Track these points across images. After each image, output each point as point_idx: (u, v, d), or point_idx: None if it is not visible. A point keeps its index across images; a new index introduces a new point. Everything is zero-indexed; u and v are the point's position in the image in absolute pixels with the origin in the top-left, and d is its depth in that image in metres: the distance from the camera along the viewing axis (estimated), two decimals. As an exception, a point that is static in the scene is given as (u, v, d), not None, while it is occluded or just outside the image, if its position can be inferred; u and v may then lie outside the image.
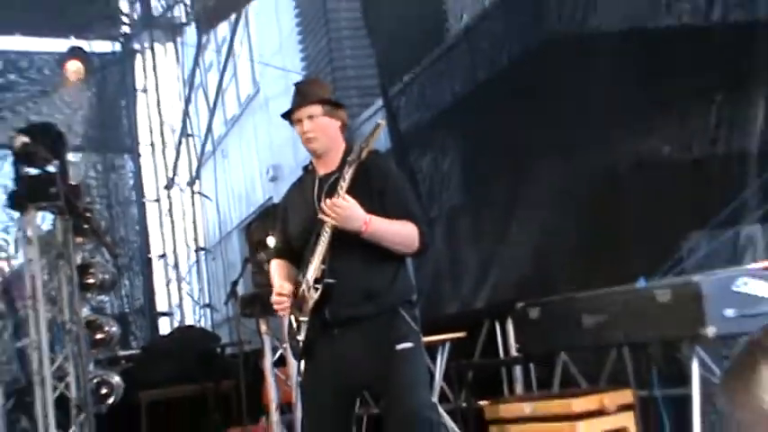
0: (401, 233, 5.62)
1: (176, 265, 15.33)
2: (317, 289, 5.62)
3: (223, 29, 15.14)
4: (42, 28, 13.93)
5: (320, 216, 5.58)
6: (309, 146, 5.87)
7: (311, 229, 5.66)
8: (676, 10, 8.58)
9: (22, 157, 9.94)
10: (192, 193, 15.40)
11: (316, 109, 5.78)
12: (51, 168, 9.65)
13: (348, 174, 5.49)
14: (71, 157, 10.98)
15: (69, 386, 10.15)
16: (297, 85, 6.42)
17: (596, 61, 8.91)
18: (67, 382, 10.14)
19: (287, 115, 5.98)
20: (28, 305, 10.31)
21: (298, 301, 5.76)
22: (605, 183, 8.67)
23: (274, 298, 5.94)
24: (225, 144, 16.23)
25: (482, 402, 7.63)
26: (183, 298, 15.25)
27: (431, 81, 11.29)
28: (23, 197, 10.19)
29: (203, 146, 15.40)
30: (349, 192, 5.48)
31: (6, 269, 5.81)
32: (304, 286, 5.67)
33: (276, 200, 10.94)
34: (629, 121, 8.66)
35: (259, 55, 15.58)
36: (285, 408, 8.44)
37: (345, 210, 5.46)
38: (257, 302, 8.49)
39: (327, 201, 5.50)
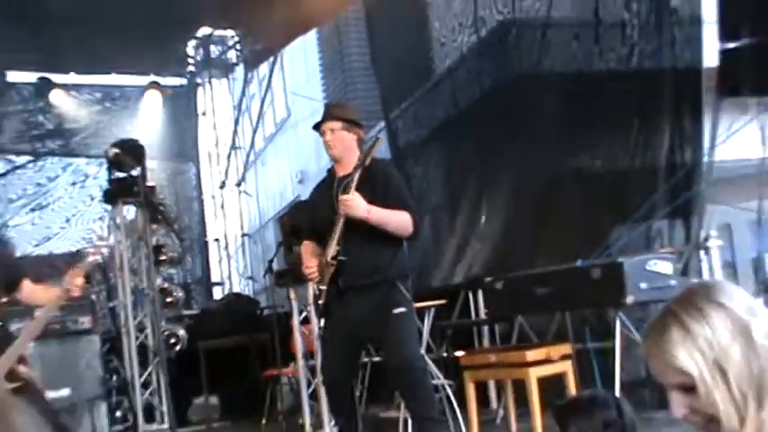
0: (398, 220, 5.69)
1: (226, 247, 15.36)
2: (333, 264, 5.69)
3: (263, 68, 15.14)
4: (130, 68, 13.96)
5: (337, 208, 5.66)
6: (329, 152, 5.97)
7: (331, 217, 5.73)
8: (606, 58, 8.63)
9: (113, 164, 10.01)
10: (239, 191, 15.42)
11: (336, 124, 5.87)
12: (135, 173, 9.73)
13: (356, 176, 5.58)
14: (149, 164, 11.00)
15: (147, 336, 10.22)
16: (326, 104, 6.52)
17: (547, 95, 8.99)
18: (146, 334, 10.21)
19: (316, 127, 6.08)
20: (117, 275, 10.38)
21: (320, 273, 5.83)
22: (552, 186, 8.72)
23: (305, 270, 6.02)
24: (264, 155, 16.21)
25: (458, 353, 7.69)
26: (231, 272, 15.27)
27: (422, 108, 11.34)
28: (114, 194, 10.26)
29: (248, 156, 15.40)
30: (357, 189, 5.56)
31: (104, 249, 5.80)
32: (324, 262, 5.74)
33: (303, 198, 10.97)
34: (570, 140, 8.72)
35: (291, 87, 15.58)
36: (308, 355, 8.47)
37: (351, 203, 5.55)
38: (288, 275, 8.53)
39: (341, 195, 5.59)
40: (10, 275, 5.73)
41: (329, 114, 6.03)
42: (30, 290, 5.77)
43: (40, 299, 5.70)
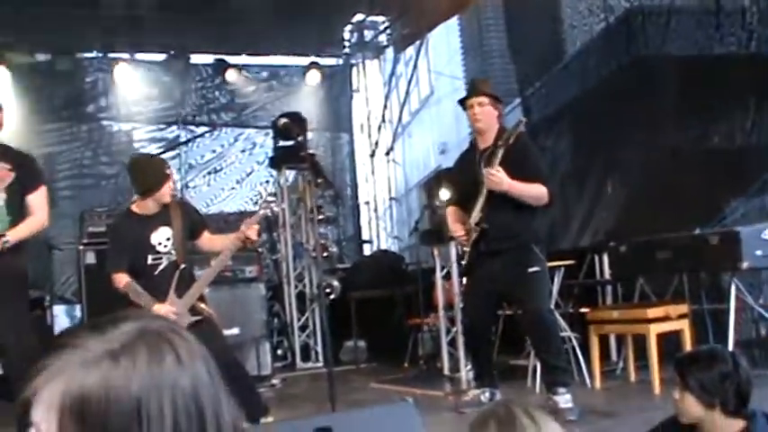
0: (536, 192, 5.66)
1: (375, 209, 15.47)
2: (476, 230, 5.69)
3: (410, 50, 15.14)
4: (293, 50, 14.16)
5: (481, 176, 5.65)
6: (475, 125, 5.95)
7: (473, 185, 5.72)
8: (725, 42, 8.39)
9: (280, 134, 10.19)
10: (388, 160, 15.48)
11: (484, 99, 5.86)
12: (297, 141, 9.87)
13: (500, 152, 5.55)
14: (309, 134, 11.15)
15: (305, 285, 10.41)
16: (473, 80, 6.50)
17: (669, 75, 8.75)
18: (304, 283, 10.41)
19: (463, 101, 6.05)
20: (280, 232, 10.59)
21: (464, 236, 5.84)
22: (673, 161, 8.51)
23: (454, 235, 6.05)
24: (409, 128, 16.24)
25: (583, 309, 7.61)
26: (379, 231, 15.38)
27: (553, 87, 11.19)
28: (279, 160, 10.45)
29: (395, 129, 15.44)
30: (500, 164, 5.53)
31: (273, 205, 5.94)
32: (468, 227, 5.75)
33: (444, 167, 10.95)
34: (690, 118, 8.51)
35: (434, 66, 15.55)
36: (448, 307, 8.47)
37: (495, 178, 5.52)
38: (432, 235, 8.55)
39: (485, 169, 5.57)
40: (195, 223, 5.96)
41: (477, 89, 6.00)
42: (209, 238, 5.99)
43: (218, 245, 5.89)
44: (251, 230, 5.64)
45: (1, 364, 5.78)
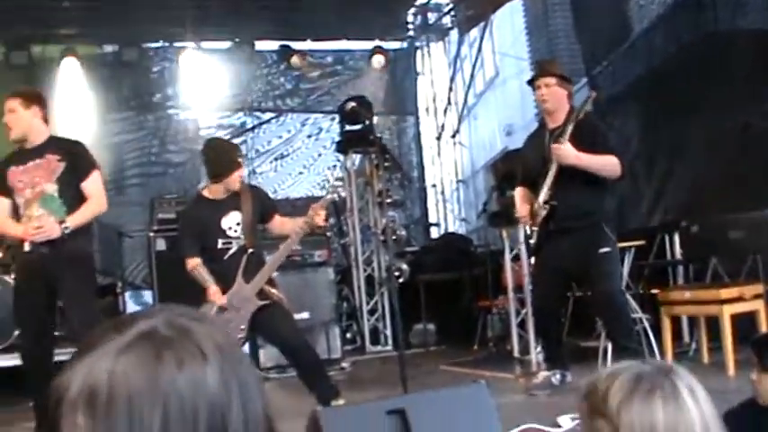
0: (607, 162, 5.66)
1: (443, 192, 15.45)
2: (545, 208, 5.68)
3: (474, 31, 15.06)
4: (357, 34, 14.20)
5: (550, 155, 5.64)
6: (543, 105, 5.94)
7: (542, 165, 5.71)
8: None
9: (347, 117, 10.24)
10: (454, 142, 15.44)
11: (551, 80, 5.85)
12: (366, 124, 9.91)
13: (569, 128, 5.53)
14: (375, 118, 11.17)
15: (374, 269, 10.45)
16: (540, 61, 6.49)
17: (740, 50, 8.60)
18: (373, 267, 10.45)
19: (531, 82, 6.05)
20: (347, 216, 10.65)
21: (532, 216, 5.83)
22: (744, 138, 8.37)
23: (518, 214, 6.05)
24: (475, 110, 16.15)
25: (654, 290, 7.54)
26: (446, 214, 15.37)
27: (621, 65, 11.04)
28: (346, 145, 10.50)
29: (461, 111, 15.38)
30: (569, 140, 5.52)
31: (340, 189, 6.00)
32: (536, 206, 5.74)
33: (510, 148, 10.90)
34: (762, 94, 8.35)
35: (498, 48, 15.45)
36: (517, 289, 8.46)
37: (563, 151, 5.51)
38: (501, 217, 8.53)
39: (553, 144, 5.56)
40: (266, 207, 6.08)
41: (545, 70, 6.00)
42: (280, 221, 6.10)
43: (288, 229, 5.99)
44: (317, 216, 5.72)
45: (22, 354, 5.96)
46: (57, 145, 5.71)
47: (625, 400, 1.61)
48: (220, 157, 5.95)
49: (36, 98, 5.80)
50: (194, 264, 5.79)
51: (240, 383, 1.08)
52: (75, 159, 5.66)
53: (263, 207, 6.05)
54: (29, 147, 5.69)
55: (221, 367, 1.07)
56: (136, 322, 1.09)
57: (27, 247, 5.56)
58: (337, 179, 6.21)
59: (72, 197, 5.61)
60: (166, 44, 13.46)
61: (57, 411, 1.04)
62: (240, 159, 6.05)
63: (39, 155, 5.63)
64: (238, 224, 5.87)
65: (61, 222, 5.45)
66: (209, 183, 6.07)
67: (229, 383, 1.07)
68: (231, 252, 5.86)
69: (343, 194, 6.23)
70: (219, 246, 5.85)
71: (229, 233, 5.87)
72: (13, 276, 7.04)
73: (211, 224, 5.87)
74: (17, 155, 5.74)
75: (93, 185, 5.69)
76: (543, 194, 5.74)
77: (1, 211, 5.69)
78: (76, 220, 5.53)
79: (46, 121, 5.78)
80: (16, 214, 5.69)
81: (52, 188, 5.57)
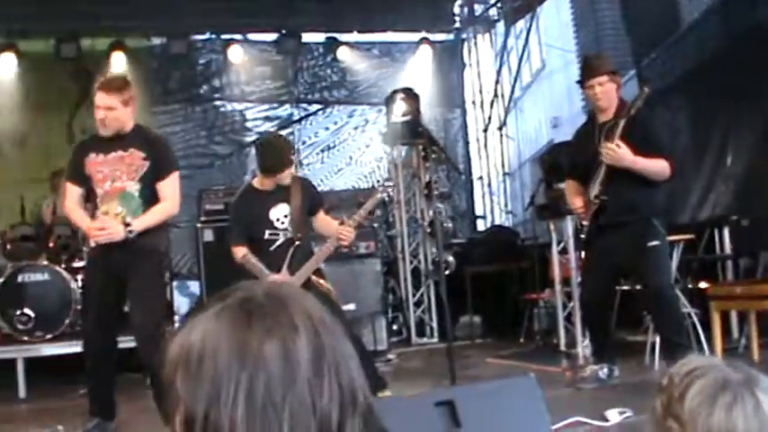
0: (658, 167, 5.62)
1: (489, 184, 15.38)
2: (596, 203, 5.66)
3: (521, 23, 14.99)
4: (404, 26, 14.18)
5: (601, 151, 5.61)
6: (597, 104, 5.92)
7: (592, 159, 5.69)
8: None
9: (393, 110, 10.25)
10: (500, 135, 15.37)
11: (603, 78, 5.84)
12: (410, 117, 9.92)
13: (620, 125, 5.51)
14: (421, 110, 11.16)
15: (420, 261, 10.47)
16: (588, 58, 6.44)
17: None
18: (419, 259, 10.47)
19: (582, 81, 6.03)
20: (394, 208, 10.67)
21: (583, 210, 5.82)
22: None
23: (573, 208, 6.04)
24: (521, 102, 16.09)
25: (703, 285, 7.47)
26: (493, 206, 15.32)
27: (669, 58, 10.93)
28: (392, 137, 10.51)
29: (508, 103, 15.31)
30: (621, 138, 5.50)
31: (390, 189, 6.07)
32: (587, 200, 5.73)
33: (557, 141, 10.87)
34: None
35: (545, 39, 15.36)
36: (564, 282, 8.44)
37: (616, 154, 5.49)
38: (548, 209, 8.51)
39: (606, 143, 5.54)
40: (314, 200, 6.16)
41: (596, 69, 5.98)
42: (321, 219, 6.17)
43: (326, 231, 6.09)
44: (345, 232, 5.89)
45: (84, 341, 5.93)
46: (142, 140, 5.57)
47: (704, 407, 1.51)
48: (274, 153, 6.06)
49: (131, 93, 5.60)
50: (243, 252, 5.87)
51: (333, 358, 1.10)
52: (158, 158, 5.55)
53: (312, 201, 6.13)
54: (111, 135, 5.54)
55: (313, 341, 1.09)
56: (239, 290, 1.13)
57: (92, 243, 5.60)
58: (386, 179, 6.29)
59: (151, 196, 5.54)
60: (213, 36, 13.54)
61: (163, 374, 1.10)
62: (292, 157, 6.15)
63: (123, 147, 5.49)
64: (286, 216, 5.96)
65: (127, 225, 5.37)
66: (259, 174, 6.14)
67: (321, 357, 1.09)
68: (277, 243, 5.95)
69: (391, 194, 6.31)
70: (266, 237, 5.94)
71: (276, 225, 5.96)
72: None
73: (260, 215, 5.95)
74: (97, 142, 5.61)
75: (170, 187, 5.59)
76: (594, 189, 5.73)
77: (73, 199, 5.62)
78: (144, 222, 5.46)
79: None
80: (87, 201, 5.65)
81: (135, 187, 5.49)
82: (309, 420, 1.05)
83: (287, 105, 14.06)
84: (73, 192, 5.60)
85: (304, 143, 14.06)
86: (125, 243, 5.38)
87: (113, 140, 5.49)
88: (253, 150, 13.18)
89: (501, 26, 15.47)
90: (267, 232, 5.94)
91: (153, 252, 5.62)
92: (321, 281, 5.98)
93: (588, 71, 6.02)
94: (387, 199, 6.26)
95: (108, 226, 5.37)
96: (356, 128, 14.36)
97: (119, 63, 12.38)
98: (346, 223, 5.95)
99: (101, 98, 5.42)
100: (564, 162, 6.56)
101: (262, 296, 1.12)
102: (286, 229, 5.96)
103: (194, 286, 11.14)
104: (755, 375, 1.56)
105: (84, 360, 5.74)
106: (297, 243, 5.94)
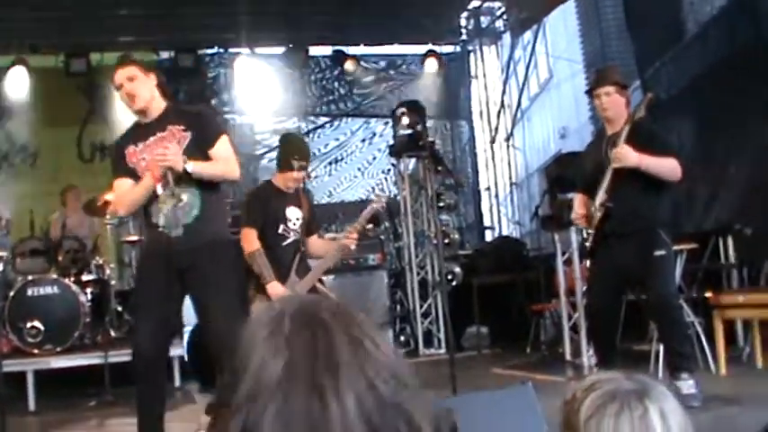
0: (668, 165, 5.67)
1: (496, 195, 15.43)
2: (600, 210, 5.72)
3: (527, 34, 15.05)
4: (410, 38, 14.27)
5: (607, 158, 5.68)
6: (604, 114, 5.98)
7: (600, 170, 5.74)
8: None
9: (399, 122, 10.32)
10: (508, 146, 15.43)
11: (611, 88, 5.89)
12: (417, 129, 9.98)
13: (625, 130, 5.58)
14: (428, 122, 11.24)
15: (427, 272, 10.52)
16: (599, 69, 6.51)
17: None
18: (426, 270, 10.52)
19: (589, 91, 6.10)
20: (401, 219, 10.73)
21: (587, 218, 5.88)
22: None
23: (574, 215, 6.11)
24: (529, 113, 16.14)
25: (707, 294, 7.50)
26: (500, 217, 15.36)
27: (674, 67, 10.98)
28: (399, 149, 10.58)
29: (515, 114, 15.36)
30: (626, 142, 5.56)
31: (383, 199, 6.20)
32: (593, 208, 5.78)
33: (564, 151, 10.91)
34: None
35: (552, 50, 15.42)
36: (569, 292, 8.47)
37: (622, 155, 5.55)
38: (553, 220, 8.55)
39: (611, 150, 5.61)
40: (314, 221, 6.33)
41: (604, 78, 6.03)
42: (314, 241, 6.39)
43: (320, 252, 6.34)
44: (350, 240, 6.05)
45: (132, 345, 5.22)
46: (178, 113, 5.15)
47: (595, 416, 1.57)
48: (284, 151, 6.31)
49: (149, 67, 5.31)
50: (255, 245, 5.95)
51: (362, 343, 1.22)
52: (201, 127, 5.08)
53: (312, 219, 6.31)
54: (146, 121, 5.12)
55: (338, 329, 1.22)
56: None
57: (162, 221, 4.97)
58: (380, 191, 6.43)
59: None
60: (221, 50, 13.67)
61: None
62: (303, 163, 6.18)
63: (159, 128, 5.05)
64: (298, 219, 6.13)
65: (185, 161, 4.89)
66: (277, 173, 6.35)
67: (341, 343, 1.21)
68: (288, 241, 6.15)
69: (385, 206, 6.44)
70: (280, 231, 6.12)
71: (290, 224, 6.13)
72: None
73: (278, 208, 6.15)
74: (133, 132, 5.20)
75: (222, 151, 5.06)
76: (599, 197, 5.77)
77: (120, 191, 5.17)
78: (201, 166, 4.95)
79: (164, 92, 5.21)
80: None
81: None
82: None
83: (295, 118, 14.16)
84: (120, 185, 5.14)
85: (313, 155, 14.08)
86: (191, 234, 4.95)
87: (149, 126, 5.10)
88: (262, 163, 13.39)
89: (507, 38, 15.54)
90: (281, 227, 6.11)
91: (225, 243, 5.19)
92: (324, 289, 6.15)
93: (596, 80, 6.09)
94: (382, 208, 6.33)
95: (167, 152, 4.89)
96: (363, 140, 14.45)
97: (128, 77, 12.48)
98: (347, 231, 6.12)
99: (119, 74, 5.13)
100: (574, 175, 6.60)
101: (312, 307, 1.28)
102: (297, 231, 6.14)
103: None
104: (649, 385, 1.61)
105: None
106: (303, 250, 6.10)
